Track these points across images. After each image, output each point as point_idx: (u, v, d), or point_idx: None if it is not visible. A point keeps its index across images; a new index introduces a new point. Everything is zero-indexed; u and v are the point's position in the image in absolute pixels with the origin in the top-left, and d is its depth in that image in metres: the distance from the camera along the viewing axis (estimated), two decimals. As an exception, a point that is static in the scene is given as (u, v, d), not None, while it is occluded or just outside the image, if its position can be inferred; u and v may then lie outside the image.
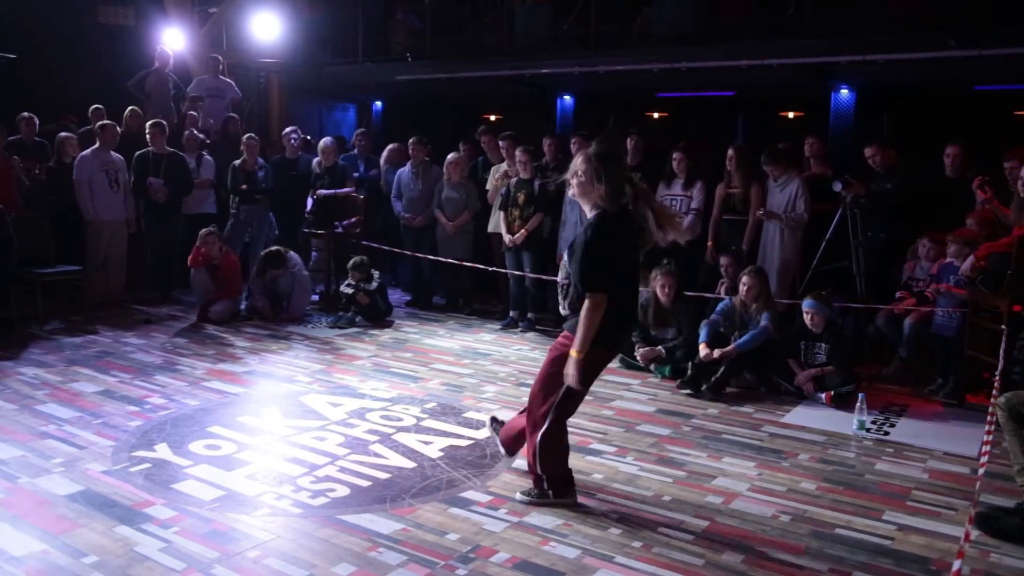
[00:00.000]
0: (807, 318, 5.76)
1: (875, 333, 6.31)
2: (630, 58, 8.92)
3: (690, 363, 5.88)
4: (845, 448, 4.78)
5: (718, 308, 6.11)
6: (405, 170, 8.53)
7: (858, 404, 5.04)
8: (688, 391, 5.77)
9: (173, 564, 3.22)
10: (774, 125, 10.50)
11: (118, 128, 8.32)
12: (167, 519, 3.62)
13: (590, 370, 3.67)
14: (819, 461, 4.55)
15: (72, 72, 9.84)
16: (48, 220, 7.80)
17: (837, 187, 6.42)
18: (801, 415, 5.38)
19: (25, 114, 8.49)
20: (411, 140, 8.50)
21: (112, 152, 8.09)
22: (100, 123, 8.23)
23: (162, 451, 4.43)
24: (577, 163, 3.66)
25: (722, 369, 5.72)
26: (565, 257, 3.80)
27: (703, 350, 5.77)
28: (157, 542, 3.40)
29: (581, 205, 3.74)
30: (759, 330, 5.80)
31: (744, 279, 5.97)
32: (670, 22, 8.86)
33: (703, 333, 5.88)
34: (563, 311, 3.84)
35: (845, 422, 5.12)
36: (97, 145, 8.04)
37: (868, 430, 5.01)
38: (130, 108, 9.05)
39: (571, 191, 3.74)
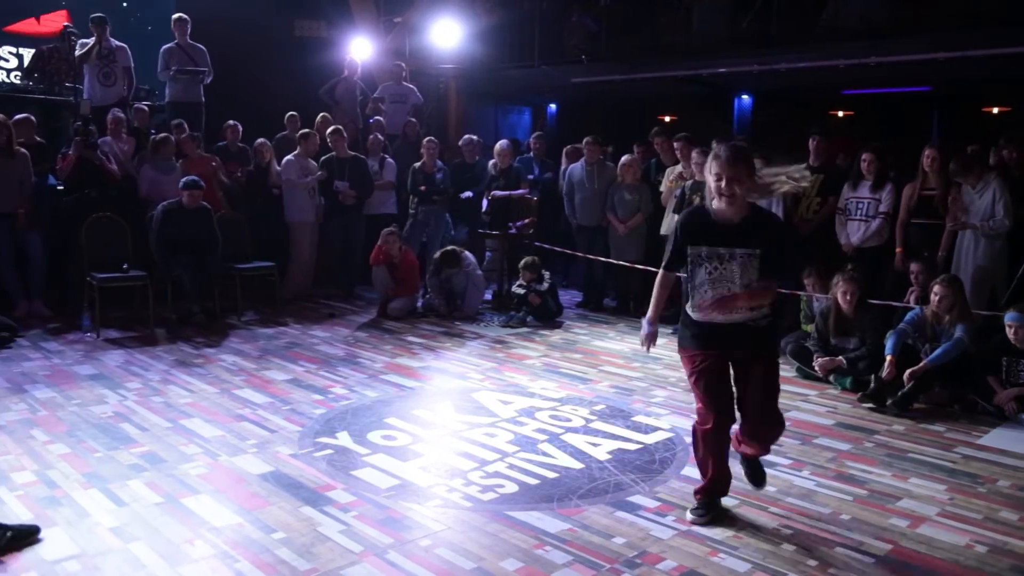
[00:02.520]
0: (1010, 332, 5.28)
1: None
2: (814, 54, 8.54)
3: (873, 375, 5.55)
4: (1053, 476, 4.35)
5: (907, 317, 5.72)
6: (577, 166, 8.53)
7: (1069, 428, 4.58)
8: (871, 405, 5.44)
9: (351, 546, 3.40)
10: (975, 122, 9.74)
11: (317, 137, 8.88)
12: (347, 503, 3.82)
13: None
14: (1022, 490, 4.16)
15: (271, 83, 10.60)
16: (247, 219, 8.44)
17: None
18: (1001, 438, 4.94)
19: (230, 122, 9.24)
20: (586, 139, 8.51)
21: (310, 159, 8.66)
22: (302, 132, 8.83)
23: (343, 439, 4.67)
24: (721, 169, 3.41)
25: (910, 383, 5.35)
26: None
27: (888, 364, 5.43)
28: (337, 524, 3.59)
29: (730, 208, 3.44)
30: (953, 343, 5.39)
31: (936, 288, 5.55)
32: (859, 14, 8.40)
33: (890, 344, 5.52)
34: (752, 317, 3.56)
35: (1053, 447, 4.67)
36: (298, 151, 8.63)
37: (1081, 458, 4.54)
38: (321, 115, 9.63)
39: (720, 203, 3.45)
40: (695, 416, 3.74)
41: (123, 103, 9.09)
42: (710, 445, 3.68)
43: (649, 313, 3.84)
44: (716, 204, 3.49)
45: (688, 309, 3.68)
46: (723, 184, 3.41)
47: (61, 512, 3.63)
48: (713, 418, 3.61)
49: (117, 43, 9.17)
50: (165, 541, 3.39)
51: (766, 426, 3.63)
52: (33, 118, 7.96)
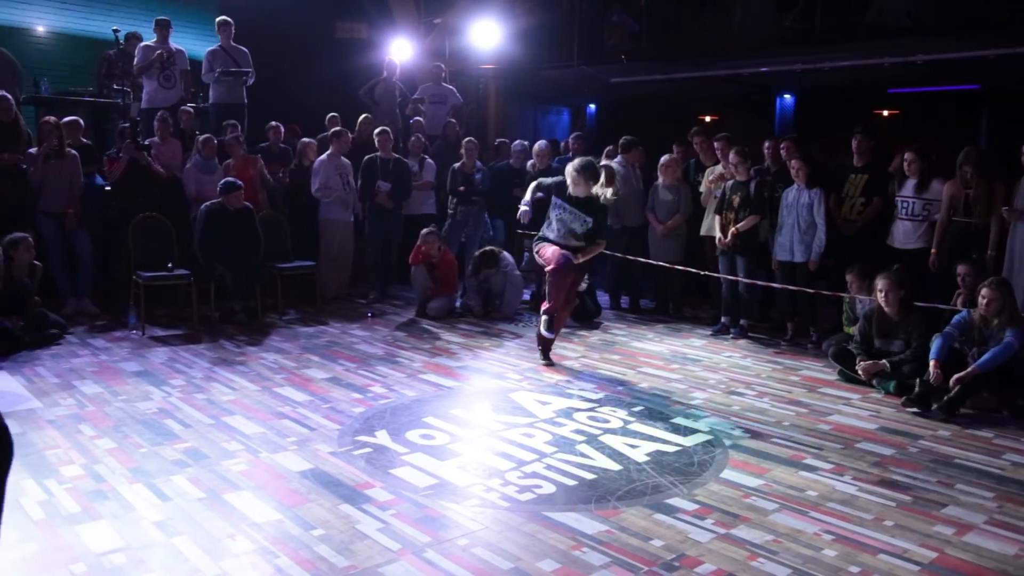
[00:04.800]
0: (1061, 336, 5.15)
1: None
2: (859, 52, 8.40)
3: (918, 379, 5.44)
4: (1106, 484, 4.23)
5: (954, 320, 5.59)
6: (617, 165, 8.44)
7: (1124, 435, 4.45)
8: (915, 410, 5.34)
9: (389, 544, 3.42)
10: (1026, 121, 9.50)
11: (350, 135, 8.96)
12: (385, 501, 3.84)
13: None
14: (1073, 497, 4.06)
15: (312, 84, 10.73)
16: (288, 219, 8.54)
17: None
18: (1051, 444, 4.82)
19: (273, 123, 9.36)
20: (625, 139, 8.47)
21: (343, 157, 8.73)
22: (334, 130, 8.90)
23: (382, 437, 4.70)
24: (571, 177, 6.06)
25: (957, 388, 5.24)
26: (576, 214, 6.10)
27: (934, 369, 5.32)
28: (376, 522, 3.62)
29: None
30: (1002, 347, 5.25)
31: (984, 291, 5.40)
32: (905, 11, 8.25)
33: (935, 348, 5.41)
34: (574, 243, 6.11)
35: (1107, 455, 4.54)
36: (331, 150, 8.70)
37: None
38: (364, 116, 9.71)
39: (573, 190, 6.04)
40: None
41: (181, 105, 9.28)
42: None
43: (527, 197, 6.31)
44: (571, 188, 6.04)
45: (544, 230, 6.28)
46: (571, 182, 6.02)
47: (107, 506, 3.71)
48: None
49: (176, 46, 9.37)
50: (207, 536, 3.45)
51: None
52: (81, 120, 8.15)
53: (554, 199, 6.17)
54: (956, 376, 5.25)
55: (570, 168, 6.04)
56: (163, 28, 9.24)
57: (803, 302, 7.09)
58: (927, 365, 5.38)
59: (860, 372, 5.85)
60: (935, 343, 5.44)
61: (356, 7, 12.24)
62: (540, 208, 8.59)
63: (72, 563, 3.19)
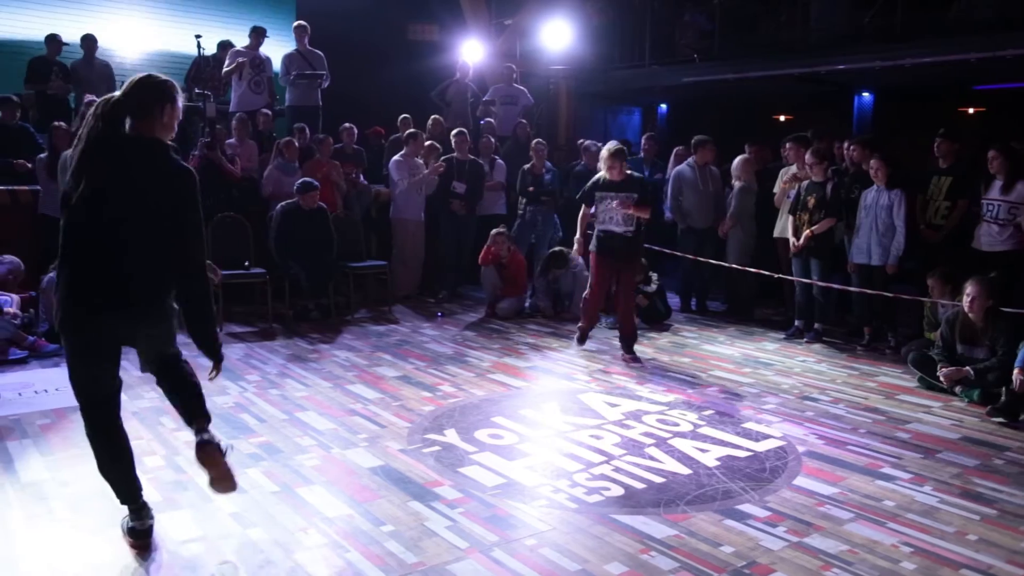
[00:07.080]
0: None
1: None
2: (942, 48, 8.12)
3: (1004, 388, 5.23)
4: None
5: (1043, 328, 5.37)
6: (685, 168, 8.36)
7: None
8: (1001, 419, 5.13)
9: (458, 542, 3.44)
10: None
11: (424, 136, 9.06)
12: (453, 500, 3.87)
13: None
14: None
15: (384, 85, 10.88)
16: (361, 219, 8.67)
17: None
18: None
19: (346, 125, 9.51)
20: (698, 138, 8.35)
21: (417, 158, 8.82)
22: (409, 132, 9.00)
23: (451, 436, 4.74)
24: (606, 162, 6.49)
25: (1046, 397, 5.02)
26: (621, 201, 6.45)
27: (1020, 377, 5.10)
28: (444, 520, 3.65)
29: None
30: (1096, 355, 5.02)
31: (1077, 296, 5.19)
32: (993, 4, 7.95)
33: (1022, 355, 5.20)
34: (622, 228, 6.47)
35: None
36: (405, 151, 8.80)
37: None
38: (433, 117, 9.80)
39: (609, 175, 6.50)
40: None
41: (269, 108, 9.55)
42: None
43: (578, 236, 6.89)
44: (606, 175, 6.50)
45: (597, 225, 6.59)
46: (607, 167, 6.48)
47: (186, 496, 3.83)
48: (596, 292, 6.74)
49: (264, 54, 9.67)
50: (281, 528, 3.53)
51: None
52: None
53: (597, 195, 6.52)
54: (1044, 386, 5.03)
55: (603, 154, 6.57)
56: (258, 35, 9.57)
57: (880, 306, 6.89)
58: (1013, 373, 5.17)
59: (942, 379, 5.65)
60: (1022, 350, 5.22)
61: (428, 10, 12.37)
62: None
63: (154, 550, 3.30)
